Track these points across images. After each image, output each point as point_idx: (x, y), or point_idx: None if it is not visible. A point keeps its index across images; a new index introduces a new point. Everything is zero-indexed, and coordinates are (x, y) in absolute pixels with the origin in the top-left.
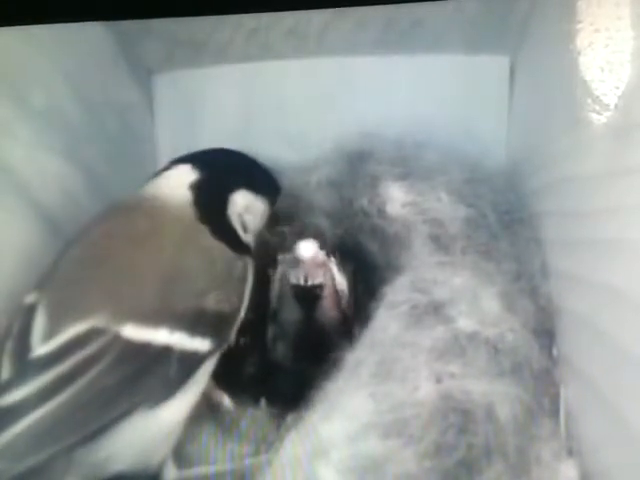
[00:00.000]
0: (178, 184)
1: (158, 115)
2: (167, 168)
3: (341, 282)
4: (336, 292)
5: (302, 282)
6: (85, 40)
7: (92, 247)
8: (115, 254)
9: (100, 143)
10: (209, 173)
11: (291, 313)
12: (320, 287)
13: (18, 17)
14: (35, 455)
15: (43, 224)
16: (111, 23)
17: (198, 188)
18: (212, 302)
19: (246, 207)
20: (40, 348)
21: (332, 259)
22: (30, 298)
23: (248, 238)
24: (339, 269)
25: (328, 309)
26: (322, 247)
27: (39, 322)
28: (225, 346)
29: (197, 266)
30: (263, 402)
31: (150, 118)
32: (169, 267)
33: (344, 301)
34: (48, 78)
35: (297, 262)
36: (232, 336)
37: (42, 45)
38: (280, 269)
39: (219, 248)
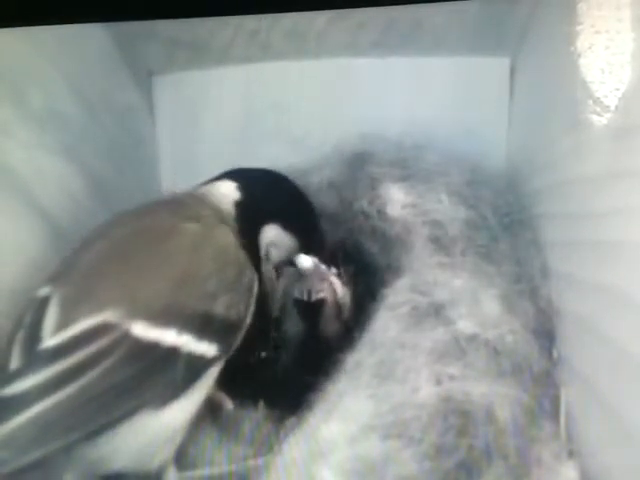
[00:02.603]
0: (225, 196)
1: (159, 116)
2: (217, 179)
3: (343, 295)
4: (337, 305)
5: (305, 297)
6: (85, 41)
7: (119, 243)
8: (137, 251)
9: (100, 144)
10: (250, 198)
11: (293, 323)
12: (322, 301)
13: (18, 18)
14: (38, 448)
15: (43, 225)
16: (112, 24)
17: (239, 209)
18: (221, 307)
19: (274, 241)
20: (50, 340)
21: (333, 270)
22: (44, 290)
23: (267, 266)
24: (342, 281)
25: (329, 321)
26: (324, 259)
27: (51, 314)
28: (230, 353)
29: (210, 268)
30: (263, 404)
31: (151, 119)
32: (183, 267)
33: (345, 313)
34: (48, 79)
35: (301, 275)
36: (237, 343)
37: (42, 45)
38: (284, 281)
39: (238, 255)
